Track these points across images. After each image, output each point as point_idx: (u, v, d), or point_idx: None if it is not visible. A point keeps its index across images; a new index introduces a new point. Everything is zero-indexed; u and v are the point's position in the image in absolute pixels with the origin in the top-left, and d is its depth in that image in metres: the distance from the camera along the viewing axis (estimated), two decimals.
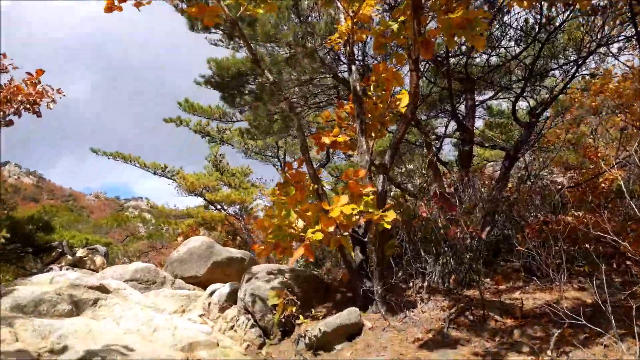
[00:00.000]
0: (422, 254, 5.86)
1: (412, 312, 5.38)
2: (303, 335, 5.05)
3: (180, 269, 9.34)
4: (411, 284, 5.58)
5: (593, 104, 7.36)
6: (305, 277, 5.96)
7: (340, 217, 5.05)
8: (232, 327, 5.65)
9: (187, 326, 5.42)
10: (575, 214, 5.46)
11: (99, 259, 9.45)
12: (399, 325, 5.22)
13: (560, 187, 7.30)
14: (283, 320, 5.26)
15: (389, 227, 5.03)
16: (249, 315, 5.56)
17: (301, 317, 5.23)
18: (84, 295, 5.51)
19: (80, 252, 9.53)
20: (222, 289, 6.20)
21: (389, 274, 5.87)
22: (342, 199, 5.16)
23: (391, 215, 4.99)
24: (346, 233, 5.47)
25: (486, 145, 10.58)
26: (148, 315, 5.38)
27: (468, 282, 5.82)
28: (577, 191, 7.26)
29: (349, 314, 5.16)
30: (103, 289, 5.85)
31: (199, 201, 18.46)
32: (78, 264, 9.29)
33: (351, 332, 5.16)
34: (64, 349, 4.15)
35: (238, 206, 17.68)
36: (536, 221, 6.03)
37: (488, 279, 6.19)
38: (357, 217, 5.28)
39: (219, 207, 17.55)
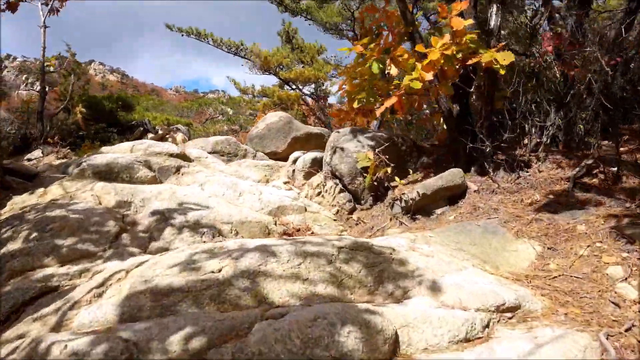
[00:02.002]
0: (538, 104, 4.88)
1: (527, 172, 4.61)
2: (399, 198, 4.53)
3: (260, 145, 9.11)
4: (526, 141, 4.72)
5: None
6: (396, 138, 5.29)
7: (441, 61, 4.16)
8: (319, 193, 5.26)
9: (273, 192, 5.10)
10: None
11: (179, 136, 9.42)
12: (510, 186, 4.50)
13: None
14: (375, 183, 4.73)
15: (503, 72, 4.08)
16: (337, 180, 5.10)
17: (396, 178, 4.66)
18: (166, 163, 5.31)
19: (162, 130, 9.53)
20: (306, 155, 5.75)
21: (497, 130, 5.02)
22: (442, 39, 4.23)
23: (508, 57, 4.00)
24: (447, 82, 4.60)
25: None
26: (232, 181, 5.10)
27: (596, 137, 4.84)
28: None
29: (452, 175, 4.50)
30: (185, 157, 5.63)
31: (274, 82, 17.95)
32: (160, 141, 9.33)
33: (454, 195, 4.55)
34: (147, 210, 3.95)
35: (313, 85, 17.08)
36: None
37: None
38: (461, 60, 4.37)
39: (293, 86, 16.97)
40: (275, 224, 4.38)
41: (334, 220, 4.83)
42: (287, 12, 15.67)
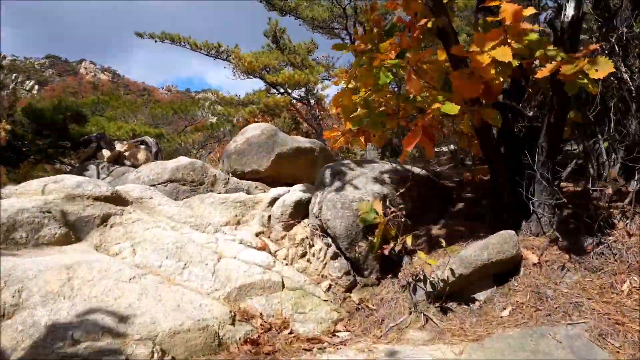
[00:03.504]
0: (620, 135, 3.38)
1: (609, 235, 3.10)
2: (421, 277, 3.00)
3: (239, 163, 7.61)
4: (609, 189, 3.20)
5: None
6: (416, 179, 3.75)
7: (491, 70, 2.65)
8: (303, 255, 3.72)
9: (237, 253, 3.56)
10: None
11: (141, 154, 7.83)
12: (589, 259, 2.99)
13: None
14: (386, 252, 3.19)
15: (595, 90, 2.55)
16: (329, 240, 3.56)
17: (420, 254, 3.12)
18: (87, 212, 3.74)
19: (120, 146, 7.93)
20: (287, 196, 4.19)
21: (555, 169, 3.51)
22: (492, 36, 2.71)
23: (604, 68, 2.47)
24: (492, 101, 3.10)
25: None
26: (180, 239, 3.55)
27: None
28: None
29: (502, 242, 2.99)
30: (118, 200, 4.06)
31: (261, 85, 16.42)
32: (118, 159, 7.74)
33: (503, 271, 3.04)
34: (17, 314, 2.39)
35: (303, 89, 15.63)
36: None
37: None
38: (515, 70, 2.90)
39: (282, 90, 15.43)
40: (234, 321, 2.84)
41: (325, 300, 3.29)
42: (275, 10, 14.15)
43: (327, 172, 3.83)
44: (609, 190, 3.09)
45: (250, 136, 7.84)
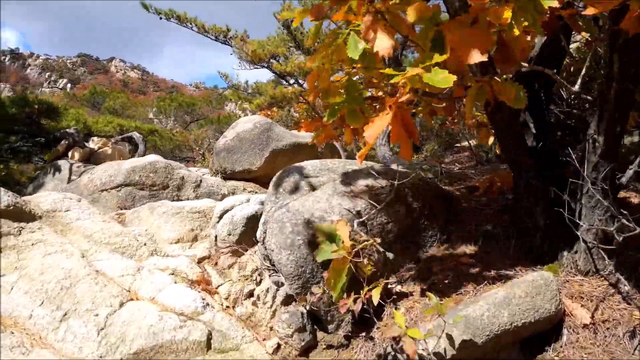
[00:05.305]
0: None
1: None
2: (406, 350, 1.91)
3: (229, 161, 6.68)
4: None
5: None
6: (407, 187, 2.63)
7: (506, 15, 1.53)
8: (250, 294, 2.68)
9: (158, 291, 2.57)
10: None
11: (118, 152, 6.96)
12: None
13: None
14: (342, 310, 2.11)
15: None
16: (280, 277, 2.50)
17: (396, 315, 2.02)
18: None
19: (94, 143, 7.07)
20: (237, 210, 3.15)
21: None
22: None
23: None
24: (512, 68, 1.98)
25: None
26: (76, 272, 2.58)
27: None
28: None
29: (533, 294, 1.89)
30: (17, 214, 3.11)
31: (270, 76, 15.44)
32: (91, 158, 6.89)
33: (535, 335, 1.93)
34: None
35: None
36: None
37: None
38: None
39: (292, 80, 14.36)
40: None
41: None
42: None
43: (282, 179, 2.76)
44: None
45: (241, 131, 6.87)
